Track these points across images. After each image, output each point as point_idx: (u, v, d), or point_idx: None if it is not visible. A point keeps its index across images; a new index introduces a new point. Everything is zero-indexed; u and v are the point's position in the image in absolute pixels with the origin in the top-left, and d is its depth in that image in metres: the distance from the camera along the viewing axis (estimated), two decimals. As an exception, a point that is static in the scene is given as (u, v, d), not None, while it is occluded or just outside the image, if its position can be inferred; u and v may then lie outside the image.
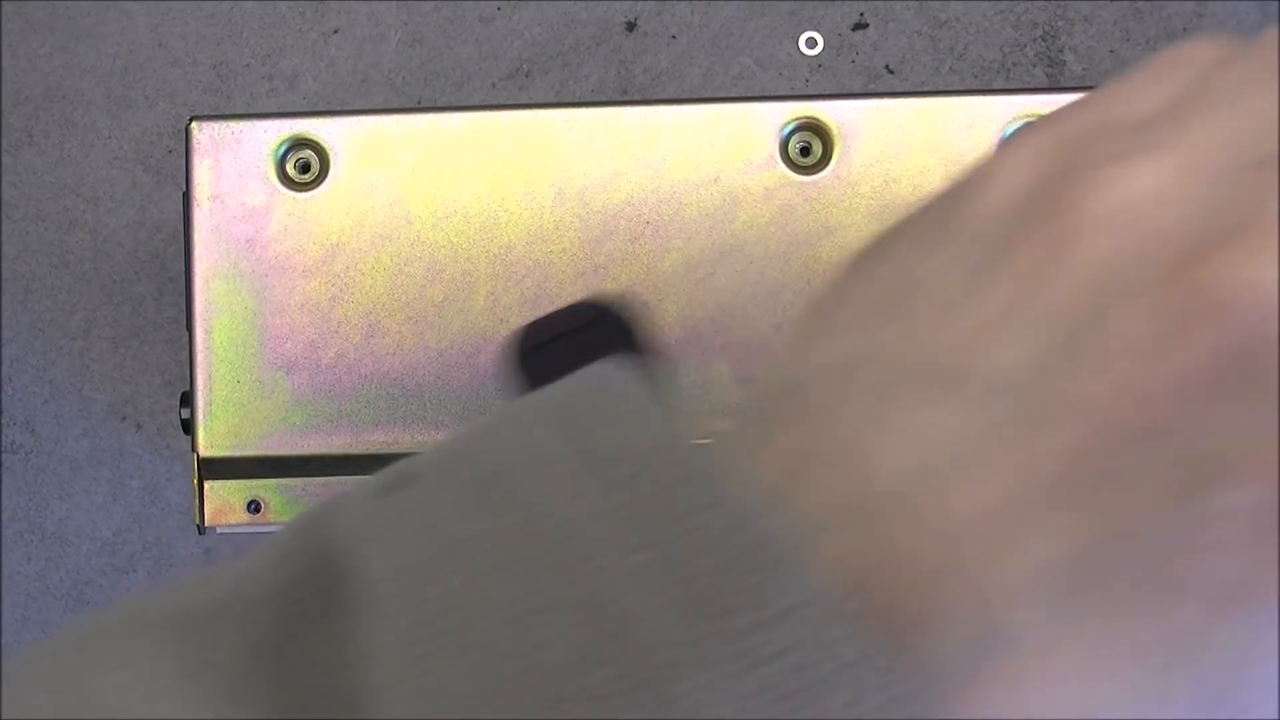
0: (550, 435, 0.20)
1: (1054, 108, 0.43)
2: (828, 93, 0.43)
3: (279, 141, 0.43)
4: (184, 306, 0.43)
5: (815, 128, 0.43)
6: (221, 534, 0.44)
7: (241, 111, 0.65)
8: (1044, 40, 0.66)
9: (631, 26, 0.66)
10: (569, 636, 0.18)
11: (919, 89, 0.66)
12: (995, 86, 0.66)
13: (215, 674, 0.21)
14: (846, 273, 0.23)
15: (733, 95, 0.65)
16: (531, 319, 0.42)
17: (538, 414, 0.21)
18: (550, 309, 0.42)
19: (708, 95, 0.66)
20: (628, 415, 0.20)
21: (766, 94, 0.65)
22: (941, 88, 0.66)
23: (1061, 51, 0.66)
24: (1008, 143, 0.24)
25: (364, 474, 0.43)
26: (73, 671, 0.22)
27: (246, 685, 0.21)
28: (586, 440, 0.20)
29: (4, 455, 0.66)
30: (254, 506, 0.43)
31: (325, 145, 0.43)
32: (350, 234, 0.43)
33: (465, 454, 0.22)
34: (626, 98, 0.66)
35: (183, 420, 0.43)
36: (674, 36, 0.66)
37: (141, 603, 0.23)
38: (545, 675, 0.18)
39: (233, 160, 0.43)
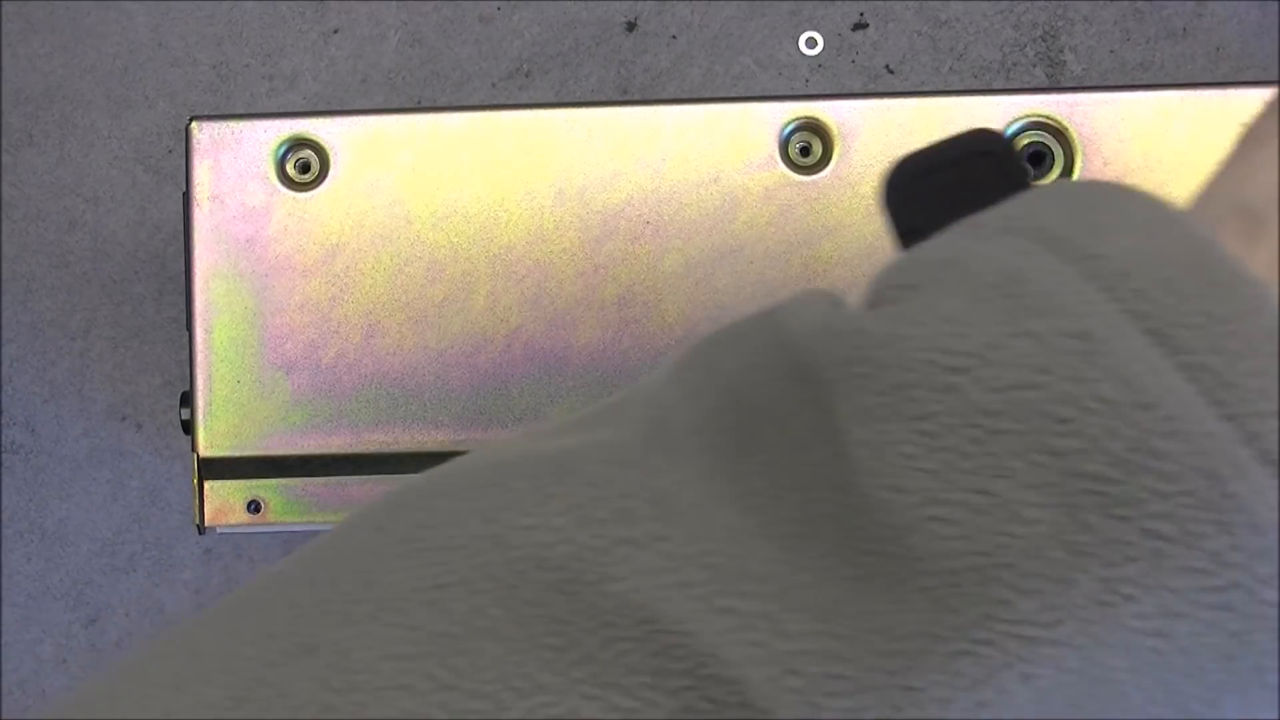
0: (1051, 244, 0.20)
1: (1054, 108, 0.43)
2: (828, 93, 0.43)
3: (279, 141, 0.43)
4: (184, 306, 0.43)
5: (815, 128, 0.43)
6: (222, 534, 0.44)
7: (241, 111, 0.65)
8: (1044, 40, 0.66)
9: (631, 26, 0.66)
10: (1117, 437, 0.19)
11: (919, 89, 0.66)
12: (995, 86, 0.66)
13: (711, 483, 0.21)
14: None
15: (733, 95, 0.65)
16: (534, 316, 0.42)
17: (1029, 223, 0.21)
18: (550, 309, 0.42)
19: (708, 95, 0.66)
20: (1133, 222, 0.20)
21: (766, 94, 0.65)
22: (941, 88, 0.66)
23: (1061, 51, 0.66)
24: None
25: (364, 474, 0.43)
26: (500, 513, 0.21)
27: (733, 487, 0.21)
28: (1095, 247, 0.20)
29: (4, 455, 0.66)
30: (254, 506, 0.43)
31: (325, 145, 0.43)
32: (350, 234, 0.43)
33: (949, 264, 0.21)
34: (626, 98, 0.66)
35: (183, 420, 0.43)
36: (674, 36, 0.66)
37: (548, 443, 0.23)
38: (1094, 474, 0.19)
39: (233, 160, 0.43)
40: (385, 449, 0.42)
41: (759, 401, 0.22)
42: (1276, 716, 0.20)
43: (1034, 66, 0.66)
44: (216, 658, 0.22)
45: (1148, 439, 0.18)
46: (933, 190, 0.28)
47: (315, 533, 0.40)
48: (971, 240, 0.22)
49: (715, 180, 0.42)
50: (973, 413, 0.19)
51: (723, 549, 0.20)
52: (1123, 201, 0.21)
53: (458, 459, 0.24)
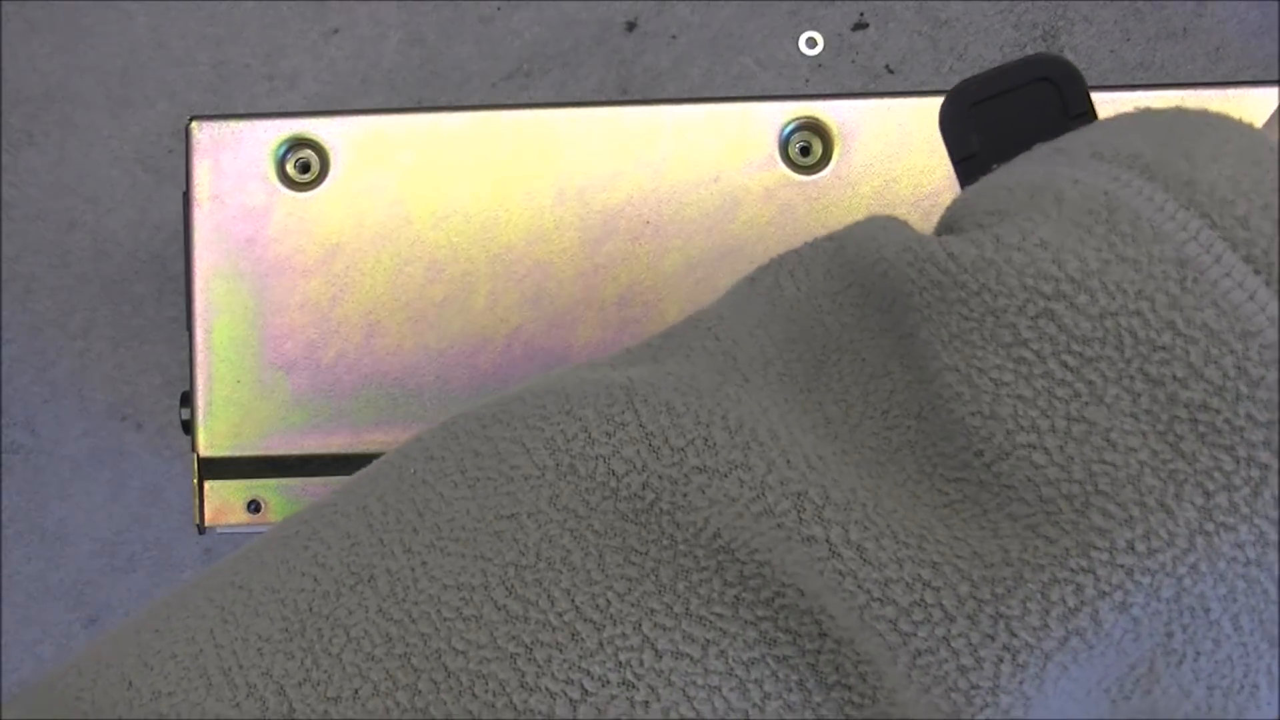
0: (1146, 171, 0.20)
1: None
2: (828, 93, 0.43)
3: (279, 141, 0.43)
4: (184, 306, 0.43)
5: (815, 128, 0.43)
6: (222, 534, 0.44)
7: (241, 111, 0.65)
8: (1044, 40, 0.66)
9: (631, 26, 0.66)
10: (1216, 364, 0.18)
11: (919, 89, 0.66)
12: (995, 86, 0.66)
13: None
14: None
15: (733, 95, 0.65)
16: (534, 316, 0.42)
17: (1122, 150, 0.21)
18: (550, 309, 0.42)
19: (708, 95, 0.66)
20: (1229, 149, 0.20)
21: (766, 94, 0.64)
22: (941, 88, 0.66)
23: (1061, 51, 0.66)
24: None
25: (364, 474, 0.43)
26: (568, 443, 0.21)
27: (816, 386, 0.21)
28: (1193, 173, 0.20)
29: (4, 455, 0.66)
30: (254, 506, 0.43)
31: (325, 145, 0.43)
32: (350, 234, 0.43)
33: (1039, 190, 0.21)
34: (626, 98, 0.66)
35: (183, 420, 0.43)
36: (674, 36, 0.66)
37: (613, 374, 0.22)
38: (1193, 402, 0.18)
39: (233, 160, 0.43)
40: (385, 449, 0.42)
41: (831, 330, 0.21)
42: None
43: (1034, 66, 0.66)
44: (265, 590, 0.21)
45: (1247, 366, 0.18)
46: (990, 117, 0.27)
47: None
48: (1060, 166, 0.21)
49: (715, 180, 0.42)
50: (1069, 339, 0.19)
51: (804, 476, 0.20)
52: (1216, 128, 0.21)
53: (505, 392, 0.23)
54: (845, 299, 0.21)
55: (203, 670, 0.20)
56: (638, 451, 0.20)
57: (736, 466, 0.20)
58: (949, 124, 0.27)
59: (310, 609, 0.20)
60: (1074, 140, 0.22)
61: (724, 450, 0.20)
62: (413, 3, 0.66)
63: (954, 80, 0.66)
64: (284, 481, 0.43)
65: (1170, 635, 0.19)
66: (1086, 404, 0.19)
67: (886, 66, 0.66)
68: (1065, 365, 0.19)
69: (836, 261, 0.22)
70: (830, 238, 0.23)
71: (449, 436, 0.22)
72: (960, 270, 0.20)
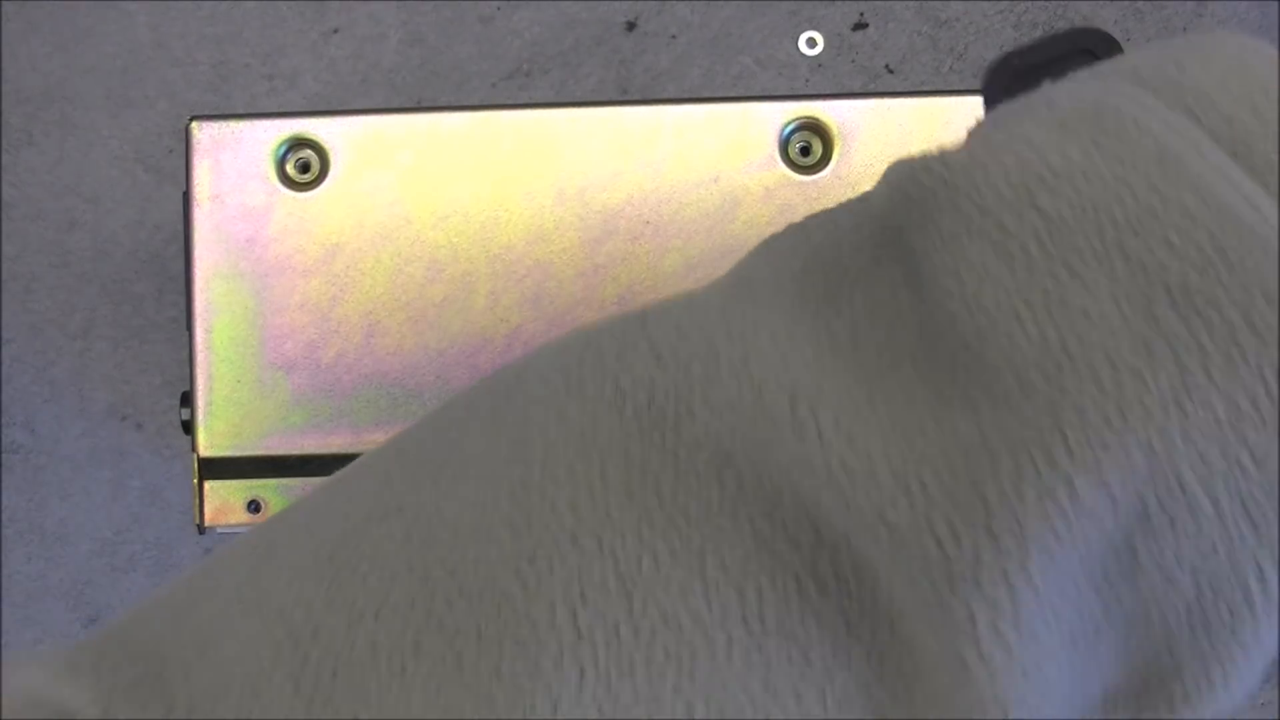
0: (1138, 79, 0.21)
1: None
2: (828, 93, 0.43)
3: (279, 141, 0.43)
4: (184, 306, 0.43)
5: (815, 127, 0.43)
6: (222, 534, 0.44)
7: (241, 111, 0.65)
8: (1044, 40, 0.66)
9: (631, 26, 0.66)
10: (1194, 243, 0.19)
11: (919, 89, 0.66)
12: (995, 86, 0.66)
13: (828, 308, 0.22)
14: None
15: (733, 95, 0.65)
16: (534, 316, 0.42)
17: (1119, 66, 0.22)
18: (550, 309, 0.42)
19: (708, 95, 0.66)
20: (1223, 54, 0.21)
21: (766, 94, 0.65)
22: (941, 88, 0.66)
23: (1061, 51, 0.66)
24: None
25: (364, 474, 0.43)
26: (581, 367, 0.22)
27: (835, 308, 0.21)
28: (1181, 78, 0.20)
29: (4, 455, 0.66)
30: (254, 506, 0.43)
31: (325, 145, 0.43)
32: (350, 234, 0.43)
33: (1032, 101, 0.22)
34: (626, 98, 0.66)
35: (183, 420, 0.43)
36: (674, 36, 0.66)
37: (640, 310, 0.23)
38: (1170, 279, 0.19)
39: (233, 160, 0.43)
40: (385, 449, 0.42)
41: (846, 265, 0.22)
42: None
43: (1034, 66, 0.66)
44: (306, 528, 0.22)
45: (1226, 246, 0.18)
46: (1033, 89, 0.28)
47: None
48: (1058, 83, 0.22)
49: (715, 180, 0.42)
50: (1052, 229, 0.19)
51: (799, 377, 0.20)
52: (1216, 43, 0.21)
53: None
54: (860, 239, 0.22)
55: (240, 597, 0.22)
56: (645, 368, 0.21)
57: (737, 372, 0.20)
58: (993, 96, 0.28)
59: (342, 539, 0.22)
60: (1083, 70, 0.23)
61: (725, 357, 0.21)
62: (413, 3, 0.66)
63: (954, 80, 0.66)
64: (284, 481, 0.43)
65: (1147, 509, 0.19)
66: (1066, 287, 0.19)
67: (886, 66, 0.66)
68: (1047, 253, 0.19)
69: (859, 206, 0.23)
70: (860, 197, 0.23)
71: (485, 387, 0.24)
72: (951, 173, 0.21)
